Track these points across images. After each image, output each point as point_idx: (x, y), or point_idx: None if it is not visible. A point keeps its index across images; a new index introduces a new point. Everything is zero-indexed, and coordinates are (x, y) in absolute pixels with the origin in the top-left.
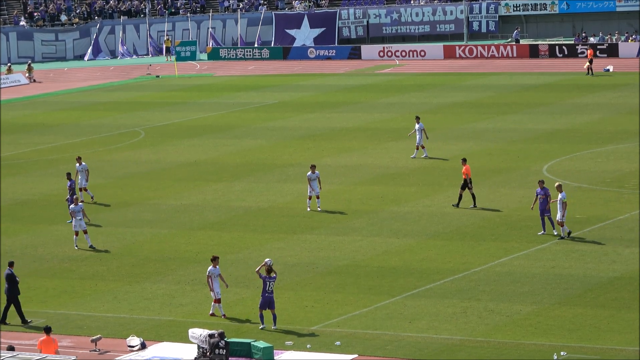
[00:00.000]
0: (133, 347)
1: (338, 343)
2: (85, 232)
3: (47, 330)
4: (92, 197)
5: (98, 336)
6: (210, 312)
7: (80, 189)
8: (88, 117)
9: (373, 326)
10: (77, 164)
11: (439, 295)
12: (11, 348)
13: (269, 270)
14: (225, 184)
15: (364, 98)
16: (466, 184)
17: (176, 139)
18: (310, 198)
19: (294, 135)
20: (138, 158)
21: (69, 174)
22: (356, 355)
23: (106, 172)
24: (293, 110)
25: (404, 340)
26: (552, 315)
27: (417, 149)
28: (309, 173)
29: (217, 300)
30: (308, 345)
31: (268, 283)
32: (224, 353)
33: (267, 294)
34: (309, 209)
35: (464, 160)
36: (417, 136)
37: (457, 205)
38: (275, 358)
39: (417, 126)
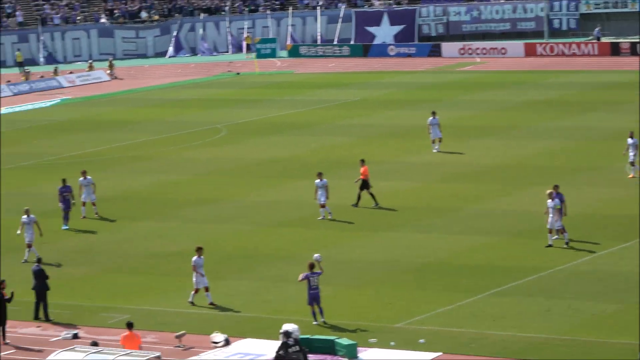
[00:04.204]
0: (217, 343)
1: (422, 340)
2: (30, 245)
3: (130, 325)
4: (96, 213)
5: (182, 332)
6: (189, 300)
7: (84, 203)
8: (169, 114)
9: (457, 324)
10: (82, 178)
11: (523, 293)
12: (95, 344)
13: (312, 266)
14: (306, 181)
15: (445, 96)
16: (365, 185)
17: (257, 136)
18: (323, 206)
19: (375, 132)
20: (219, 155)
21: (64, 180)
22: (440, 353)
23: (187, 169)
24: (374, 108)
25: (488, 338)
26: (638, 314)
27: (433, 142)
28: (317, 180)
29: (206, 289)
30: (392, 343)
31: (311, 279)
32: (297, 350)
33: (312, 290)
34: (320, 218)
35: (362, 161)
36: (433, 131)
37: (357, 205)
38: (358, 355)
39: (432, 120)
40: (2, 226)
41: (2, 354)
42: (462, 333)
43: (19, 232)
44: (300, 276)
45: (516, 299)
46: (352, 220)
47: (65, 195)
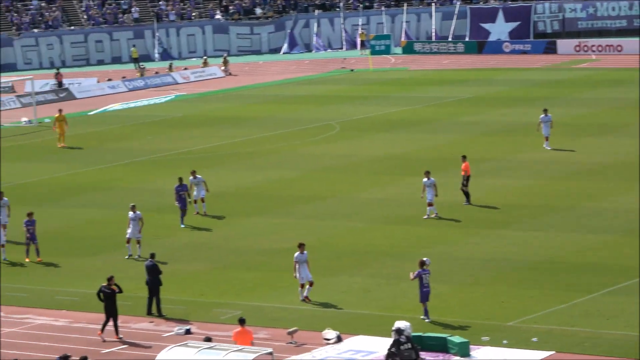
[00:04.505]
0: (329, 340)
1: (535, 339)
2: (138, 241)
3: (242, 321)
4: (204, 212)
5: (294, 328)
6: (301, 298)
7: (195, 201)
8: (283, 111)
9: (570, 323)
10: (192, 177)
11: (637, 292)
12: (208, 339)
13: (423, 263)
14: (419, 178)
15: (560, 93)
16: (465, 181)
17: (371, 133)
18: (430, 205)
19: (488, 130)
20: (333, 151)
21: (180, 179)
22: (553, 352)
23: (301, 165)
24: (488, 105)
25: (602, 337)
26: None
27: (547, 140)
28: (424, 179)
29: (311, 284)
30: (504, 341)
31: (423, 276)
32: (409, 347)
33: (424, 288)
34: (425, 217)
35: (464, 158)
36: (544, 128)
37: (468, 202)
38: (471, 353)
39: (543, 117)
40: (116, 221)
41: (114, 349)
42: (575, 332)
43: (129, 230)
44: (412, 275)
45: (630, 298)
46: (465, 218)
47: (182, 194)
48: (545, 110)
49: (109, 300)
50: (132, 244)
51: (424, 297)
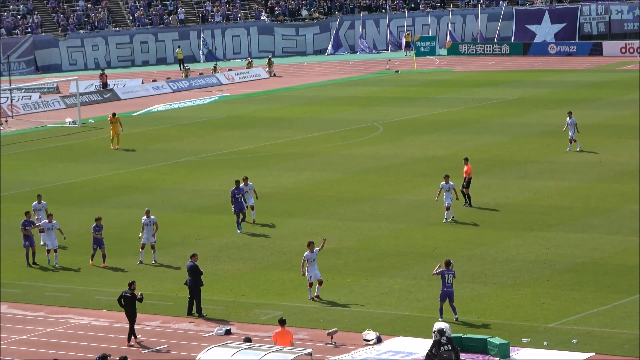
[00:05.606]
0: (369, 341)
1: (575, 341)
2: (152, 246)
3: (282, 322)
4: (253, 220)
5: (334, 329)
6: (310, 297)
7: (252, 207)
8: (326, 112)
9: (611, 324)
10: (243, 184)
11: None
12: (248, 340)
13: (448, 263)
14: (462, 180)
15: (605, 95)
16: (468, 184)
17: (414, 134)
18: (448, 209)
19: (533, 131)
20: (376, 153)
21: (237, 182)
22: (593, 354)
23: (344, 166)
24: (533, 107)
25: None
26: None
27: (570, 142)
28: (442, 183)
29: (320, 282)
30: (545, 343)
31: (446, 276)
32: (449, 349)
33: (445, 288)
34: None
35: (466, 160)
36: (570, 131)
37: (466, 203)
38: (511, 355)
39: (568, 120)
40: (158, 222)
41: (154, 349)
42: (615, 334)
43: (140, 234)
44: (436, 270)
45: None
46: (507, 220)
47: (238, 197)
48: (569, 113)
49: (129, 305)
50: (147, 250)
51: (443, 296)
